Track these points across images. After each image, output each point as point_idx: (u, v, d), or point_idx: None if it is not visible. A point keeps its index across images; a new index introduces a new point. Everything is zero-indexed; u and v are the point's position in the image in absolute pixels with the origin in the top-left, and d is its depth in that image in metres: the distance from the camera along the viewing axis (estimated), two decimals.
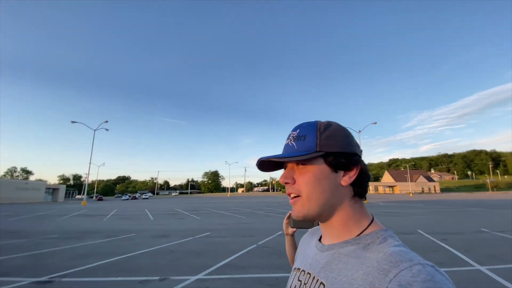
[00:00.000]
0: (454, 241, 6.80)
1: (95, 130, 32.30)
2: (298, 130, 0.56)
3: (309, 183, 0.53)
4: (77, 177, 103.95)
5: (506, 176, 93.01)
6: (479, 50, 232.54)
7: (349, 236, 0.52)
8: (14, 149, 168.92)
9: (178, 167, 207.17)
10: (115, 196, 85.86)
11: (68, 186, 65.30)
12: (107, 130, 33.78)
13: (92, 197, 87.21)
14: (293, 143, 0.55)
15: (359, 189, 0.53)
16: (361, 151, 0.56)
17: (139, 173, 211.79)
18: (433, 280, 0.36)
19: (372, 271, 0.42)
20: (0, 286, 3.90)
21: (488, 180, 75.56)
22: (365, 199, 0.57)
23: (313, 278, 0.52)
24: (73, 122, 31.28)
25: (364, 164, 0.55)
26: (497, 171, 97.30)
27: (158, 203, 33.00)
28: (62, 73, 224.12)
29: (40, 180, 53.36)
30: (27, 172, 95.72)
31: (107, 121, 32.18)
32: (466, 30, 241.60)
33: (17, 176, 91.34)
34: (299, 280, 0.56)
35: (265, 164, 0.59)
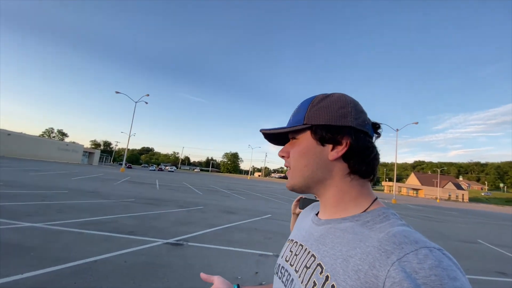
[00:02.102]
0: None
1: (136, 102, 33.66)
2: (300, 104, 0.56)
3: (294, 156, 0.54)
4: (107, 144, 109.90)
5: None
6: None
7: (346, 214, 0.49)
8: (53, 111, 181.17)
9: (198, 145, 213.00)
10: (142, 165, 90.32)
11: (101, 151, 69.35)
12: (146, 103, 35.08)
13: (120, 164, 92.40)
14: (291, 117, 0.56)
15: (354, 165, 0.49)
16: (365, 124, 0.51)
17: (162, 146, 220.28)
18: (441, 266, 0.34)
19: (373, 251, 0.39)
20: (137, 244, 4.47)
21: None
22: (371, 179, 0.52)
23: (305, 250, 0.51)
24: (117, 92, 32.70)
25: (363, 140, 0.50)
26: None
27: (187, 177, 34.44)
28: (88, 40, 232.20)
29: (74, 142, 57.06)
30: (63, 134, 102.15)
31: (148, 95, 33.35)
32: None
33: (54, 136, 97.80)
34: (290, 251, 0.56)
35: (272, 138, 0.60)
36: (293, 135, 0.55)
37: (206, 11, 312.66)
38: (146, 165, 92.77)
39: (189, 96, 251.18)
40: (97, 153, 59.29)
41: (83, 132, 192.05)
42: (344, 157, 0.49)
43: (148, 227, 5.48)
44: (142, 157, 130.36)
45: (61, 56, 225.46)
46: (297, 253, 0.52)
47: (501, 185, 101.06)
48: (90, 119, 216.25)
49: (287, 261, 0.54)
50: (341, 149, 0.49)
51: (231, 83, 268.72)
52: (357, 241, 0.43)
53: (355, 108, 0.51)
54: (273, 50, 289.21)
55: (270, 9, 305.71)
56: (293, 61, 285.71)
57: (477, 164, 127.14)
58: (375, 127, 0.54)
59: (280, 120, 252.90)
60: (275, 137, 0.59)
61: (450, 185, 74.98)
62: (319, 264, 0.45)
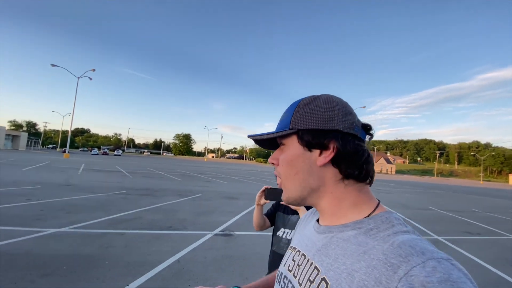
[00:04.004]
0: (470, 217, 8.69)
1: (78, 78, 29.29)
2: (287, 108, 0.53)
3: (283, 164, 0.51)
4: (31, 125, 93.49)
5: (448, 165, 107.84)
6: (449, 45, 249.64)
7: (347, 221, 0.46)
8: None
9: (143, 126, 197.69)
10: (80, 149, 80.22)
11: (29, 134, 58.96)
12: (90, 79, 30.81)
13: (52, 147, 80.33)
14: (279, 122, 0.53)
15: (346, 170, 0.46)
16: (354, 127, 0.48)
17: (99, 127, 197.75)
18: (451, 279, 0.31)
19: (378, 265, 0.37)
20: (194, 239, 4.45)
21: (435, 167, 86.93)
22: (367, 182, 0.48)
23: (308, 260, 0.48)
24: (53, 65, 27.84)
25: (352, 143, 0.47)
26: (441, 159, 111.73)
27: (144, 161, 32.30)
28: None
29: None
30: None
31: (94, 70, 29.28)
32: (440, 25, 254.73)
33: None
34: (293, 260, 0.53)
35: (264, 143, 0.58)
36: (281, 141, 0.53)
37: None
38: (85, 148, 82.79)
39: (131, 71, 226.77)
40: (24, 136, 50.27)
41: None
42: (334, 162, 0.47)
43: (178, 220, 5.36)
44: (77, 140, 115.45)
45: None
46: (299, 264, 0.50)
47: (418, 159, 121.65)
48: (5, 95, 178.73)
49: (290, 271, 0.52)
50: (328, 154, 0.47)
51: (181, 60, 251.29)
52: (361, 253, 0.40)
53: (343, 111, 0.49)
54: (237, 29, 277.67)
55: None
56: (254, 41, 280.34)
57: (401, 141, 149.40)
58: (366, 128, 0.52)
59: (231, 100, 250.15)
60: (266, 142, 0.57)
61: (382, 160, 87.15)
62: (323, 279, 0.42)
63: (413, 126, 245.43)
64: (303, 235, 0.57)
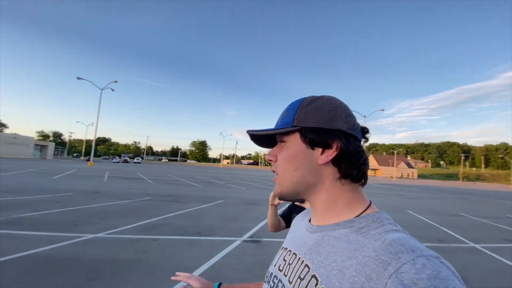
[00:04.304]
0: (506, 223, 8.16)
1: (102, 89, 30.74)
2: (287, 107, 0.54)
3: (283, 160, 0.51)
4: (57, 135, 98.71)
5: (474, 168, 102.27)
6: (465, 45, 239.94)
7: (339, 220, 0.48)
8: None
9: (161, 134, 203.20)
10: (102, 157, 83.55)
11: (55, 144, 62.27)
12: (113, 90, 32.25)
13: (76, 156, 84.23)
14: (279, 118, 0.53)
15: (345, 169, 0.48)
16: (355, 128, 0.50)
17: (119, 136, 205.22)
18: (440, 277, 0.32)
19: (369, 262, 0.37)
20: (224, 245, 4.47)
21: (460, 171, 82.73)
22: (362, 183, 0.50)
23: (299, 259, 0.49)
24: (79, 78, 29.43)
25: (353, 144, 0.49)
26: (466, 163, 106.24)
27: (162, 168, 33.08)
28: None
29: (15, 134, 50.15)
30: (1, 125, 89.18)
31: (116, 81, 30.64)
32: (457, 24, 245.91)
33: None
34: (284, 259, 0.53)
35: (258, 139, 0.58)
36: (281, 138, 0.53)
37: None
38: (107, 157, 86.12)
39: (148, 81, 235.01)
40: (51, 146, 53.16)
41: (24, 122, 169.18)
42: (334, 161, 0.48)
43: (206, 226, 5.42)
44: (99, 148, 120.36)
45: None
46: (290, 262, 0.50)
47: (442, 162, 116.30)
48: (32, 107, 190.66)
49: (280, 270, 0.52)
50: (331, 153, 0.47)
51: (195, 68, 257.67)
52: (352, 250, 0.41)
53: (345, 112, 0.50)
54: (248, 36, 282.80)
55: None
56: (266, 46, 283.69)
57: (422, 144, 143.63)
58: (363, 131, 0.53)
59: (244, 106, 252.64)
60: (263, 139, 0.57)
61: (403, 164, 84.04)
62: (313, 276, 0.43)
63: (434, 128, 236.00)
64: (295, 235, 0.58)
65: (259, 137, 0.57)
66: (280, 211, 1.44)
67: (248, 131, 0.55)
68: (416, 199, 14.76)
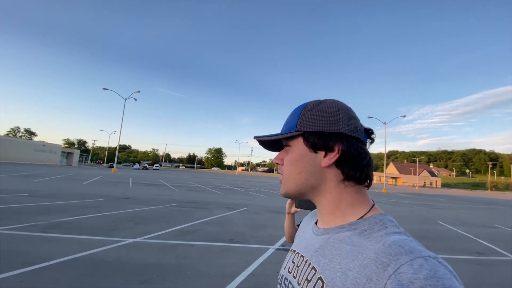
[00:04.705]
0: None
1: (125, 99, 32.07)
2: (292, 111, 0.56)
3: (288, 164, 0.53)
4: (81, 142, 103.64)
5: (502, 177, 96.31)
6: (489, 49, 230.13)
7: (344, 222, 0.49)
8: (17, 108, 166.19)
9: (178, 141, 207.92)
10: (123, 164, 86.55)
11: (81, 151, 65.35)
12: (135, 100, 33.56)
13: (99, 163, 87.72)
14: (284, 124, 0.56)
15: (348, 171, 0.49)
16: (357, 131, 0.51)
17: (138, 143, 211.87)
18: (436, 276, 0.34)
19: (370, 264, 0.39)
20: (259, 253, 4.50)
21: (488, 180, 78.21)
22: (366, 185, 0.51)
23: (306, 261, 0.51)
24: (104, 89, 30.95)
25: (355, 146, 0.50)
26: (494, 171, 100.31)
27: (181, 175, 33.72)
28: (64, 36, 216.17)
29: (43, 141, 52.89)
30: (30, 133, 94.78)
31: (139, 91, 31.90)
32: (477, 28, 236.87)
33: (21, 136, 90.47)
34: (293, 262, 0.55)
35: (267, 144, 0.60)
36: (286, 142, 0.55)
37: (183, 3, 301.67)
38: (127, 164, 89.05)
39: (167, 91, 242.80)
40: (77, 153, 55.84)
41: (51, 131, 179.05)
42: (337, 164, 0.49)
43: (237, 233, 5.47)
44: (119, 155, 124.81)
45: (14, 47, 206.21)
46: (298, 265, 0.52)
47: (467, 171, 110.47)
48: (59, 116, 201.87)
49: (290, 272, 0.54)
50: (333, 156, 0.49)
51: (210, 77, 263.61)
52: (355, 253, 0.42)
53: (347, 115, 0.51)
54: (260, 46, 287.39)
55: (257, 4, 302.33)
56: (281, 57, 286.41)
57: (445, 152, 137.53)
58: (368, 132, 0.54)
59: (258, 114, 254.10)
60: (270, 144, 0.60)
61: (425, 173, 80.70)
62: (319, 278, 0.45)
63: (458, 135, 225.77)
64: (303, 238, 0.59)
65: (267, 142, 0.59)
66: (298, 220, 1.42)
67: (255, 137, 0.58)
68: (444, 209, 14.09)
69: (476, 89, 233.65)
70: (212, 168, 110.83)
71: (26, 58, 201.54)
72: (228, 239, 4.96)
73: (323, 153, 0.50)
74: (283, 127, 0.56)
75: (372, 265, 0.39)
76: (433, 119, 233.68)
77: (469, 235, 7.10)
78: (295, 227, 1.26)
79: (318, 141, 0.50)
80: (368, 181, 0.51)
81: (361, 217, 0.48)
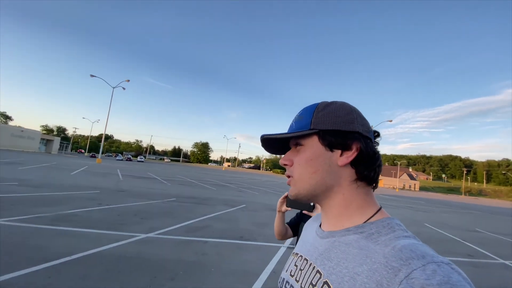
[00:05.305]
0: None
1: (114, 88, 31.01)
2: (300, 112, 0.54)
3: (301, 163, 0.51)
4: (61, 130, 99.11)
5: (476, 183, 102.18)
6: (473, 58, 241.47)
7: (351, 224, 0.48)
8: None
9: (162, 133, 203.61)
10: (105, 155, 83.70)
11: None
12: (124, 89, 32.50)
13: (80, 152, 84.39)
14: (293, 123, 0.54)
15: (363, 171, 0.48)
16: (370, 131, 0.51)
17: (121, 134, 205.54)
18: (450, 283, 0.32)
19: (379, 268, 0.37)
20: (273, 250, 4.60)
21: (463, 185, 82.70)
22: (374, 186, 0.51)
23: (310, 264, 0.49)
24: (92, 76, 29.74)
25: (371, 146, 0.50)
26: (468, 177, 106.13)
27: (169, 168, 33.15)
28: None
29: (19, 126, 50.04)
30: (6, 117, 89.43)
31: (128, 80, 30.95)
32: (463, 37, 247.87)
33: None
34: (295, 265, 0.54)
35: (270, 145, 0.58)
36: (297, 141, 0.53)
37: None
38: (110, 154, 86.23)
39: (153, 81, 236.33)
40: (57, 140, 53.34)
41: (28, 115, 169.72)
42: (353, 163, 0.49)
43: (244, 230, 5.55)
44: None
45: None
46: (302, 268, 0.51)
47: (443, 175, 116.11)
48: (37, 101, 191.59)
49: (292, 275, 0.53)
50: (351, 154, 0.48)
51: (199, 70, 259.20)
52: (363, 257, 0.41)
53: (359, 115, 0.51)
54: (252, 40, 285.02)
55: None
56: (274, 55, 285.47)
57: (423, 156, 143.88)
58: (374, 134, 0.54)
59: (245, 109, 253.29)
60: (275, 144, 0.57)
61: (405, 176, 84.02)
62: (325, 282, 0.43)
63: (437, 141, 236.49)
64: (306, 241, 0.58)
65: (271, 143, 0.57)
66: (287, 219, 1.39)
67: (263, 136, 0.55)
68: (427, 212, 14.82)
69: (456, 98, 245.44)
70: (209, 164, 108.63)
71: (3, 38, 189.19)
72: (238, 237, 5.03)
73: (339, 151, 0.49)
74: (291, 126, 0.55)
75: (382, 269, 0.37)
76: (415, 124, 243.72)
77: (456, 238, 7.56)
78: (284, 225, 1.35)
79: (335, 140, 0.49)
80: (375, 183, 0.51)
81: (368, 219, 0.47)
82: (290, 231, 1.38)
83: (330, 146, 0.49)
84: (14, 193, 6.75)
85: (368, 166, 0.49)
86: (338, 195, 0.50)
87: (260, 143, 0.57)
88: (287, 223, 1.40)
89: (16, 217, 4.64)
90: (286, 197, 1.12)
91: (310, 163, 0.50)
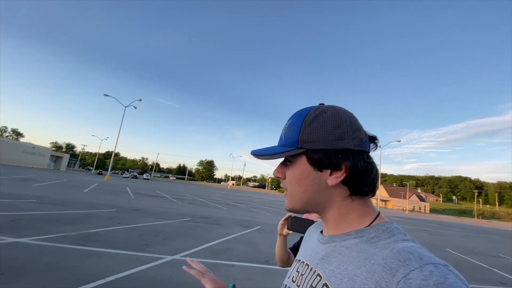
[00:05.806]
0: None
1: (126, 107, 31.86)
2: (290, 120, 0.52)
3: (291, 181, 0.51)
4: (70, 146, 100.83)
5: (488, 206, 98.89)
6: (478, 79, 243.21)
7: (350, 229, 0.48)
8: (4, 107, 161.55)
9: (167, 151, 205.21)
10: (111, 172, 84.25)
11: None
12: (135, 108, 33.35)
13: (88, 168, 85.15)
14: (283, 135, 0.53)
15: (356, 188, 0.48)
16: (363, 143, 0.48)
17: (127, 151, 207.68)
18: (447, 283, 0.33)
19: (378, 270, 0.38)
20: None
21: (475, 208, 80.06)
22: (372, 195, 0.50)
23: (311, 269, 0.50)
24: (105, 95, 30.72)
25: (364, 160, 0.48)
26: (479, 199, 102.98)
27: (175, 187, 33.03)
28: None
29: (30, 143, 51.09)
30: (17, 134, 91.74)
31: (140, 100, 31.82)
32: (467, 59, 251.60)
33: (7, 136, 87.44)
34: (297, 271, 0.54)
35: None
36: (288, 159, 0.52)
37: (179, 13, 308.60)
38: (116, 171, 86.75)
39: (161, 100, 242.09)
40: (66, 157, 54.17)
41: (38, 132, 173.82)
42: (344, 181, 0.47)
43: (268, 254, 5.40)
44: (107, 162, 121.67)
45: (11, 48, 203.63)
46: (303, 273, 0.51)
47: (454, 197, 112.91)
48: (47, 118, 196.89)
49: (293, 281, 0.53)
50: (340, 175, 0.47)
51: (207, 89, 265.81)
52: (362, 259, 0.42)
53: (351, 127, 0.48)
54: (258, 62, 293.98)
55: (251, 13, 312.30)
56: (279, 75, 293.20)
57: (432, 177, 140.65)
58: (371, 139, 0.52)
59: (252, 128, 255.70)
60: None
61: (414, 197, 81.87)
62: (325, 284, 0.44)
63: (444, 161, 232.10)
64: (307, 247, 0.58)
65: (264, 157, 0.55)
66: (290, 243, 1.25)
67: (253, 152, 0.54)
68: (444, 236, 14.30)
69: (461, 118, 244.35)
70: (221, 183, 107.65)
71: (19, 56, 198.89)
72: (263, 261, 4.90)
73: (328, 171, 0.48)
74: (281, 137, 0.53)
75: (381, 271, 0.38)
76: (421, 144, 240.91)
77: (483, 264, 7.24)
78: (286, 250, 1.17)
79: (323, 159, 0.47)
80: (373, 192, 0.50)
81: (368, 225, 0.47)
82: (293, 257, 1.18)
83: (319, 166, 0.48)
84: (35, 210, 6.80)
85: (361, 182, 0.48)
86: (333, 209, 0.50)
87: (263, 160, 0.56)
88: (290, 248, 1.24)
89: (42, 236, 4.64)
90: (287, 219, 1.03)
91: (299, 182, 0.50)
